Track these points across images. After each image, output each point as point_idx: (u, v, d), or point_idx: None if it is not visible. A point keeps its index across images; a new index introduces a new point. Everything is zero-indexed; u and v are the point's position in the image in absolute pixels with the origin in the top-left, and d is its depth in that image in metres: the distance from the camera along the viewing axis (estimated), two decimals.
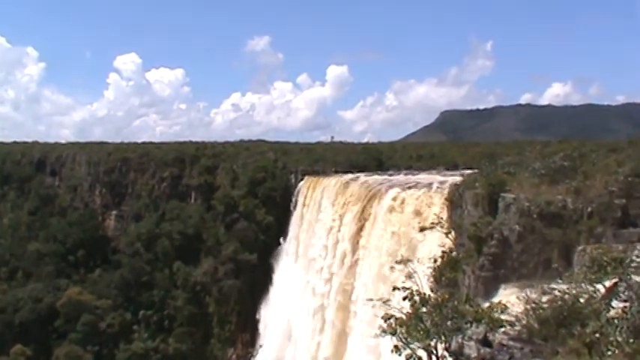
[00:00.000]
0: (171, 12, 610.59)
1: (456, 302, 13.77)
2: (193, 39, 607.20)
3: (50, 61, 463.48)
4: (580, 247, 19.98)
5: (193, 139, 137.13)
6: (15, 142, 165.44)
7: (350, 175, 69.04)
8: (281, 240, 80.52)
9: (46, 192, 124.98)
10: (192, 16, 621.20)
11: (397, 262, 21.89)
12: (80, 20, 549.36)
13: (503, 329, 12.78)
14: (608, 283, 12.39)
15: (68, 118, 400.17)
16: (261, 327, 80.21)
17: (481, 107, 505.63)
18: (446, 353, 13.44)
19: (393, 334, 13.82)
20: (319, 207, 67.90)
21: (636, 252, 15.41)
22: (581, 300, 12.08)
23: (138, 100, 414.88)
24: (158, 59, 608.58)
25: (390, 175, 67.88)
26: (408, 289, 15.00)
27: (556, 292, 12.52)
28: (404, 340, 13.66)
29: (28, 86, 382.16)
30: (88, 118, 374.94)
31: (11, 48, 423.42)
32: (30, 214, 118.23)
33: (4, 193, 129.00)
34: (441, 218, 34.56)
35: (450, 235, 32.46)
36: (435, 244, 37.51)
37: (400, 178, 62.22)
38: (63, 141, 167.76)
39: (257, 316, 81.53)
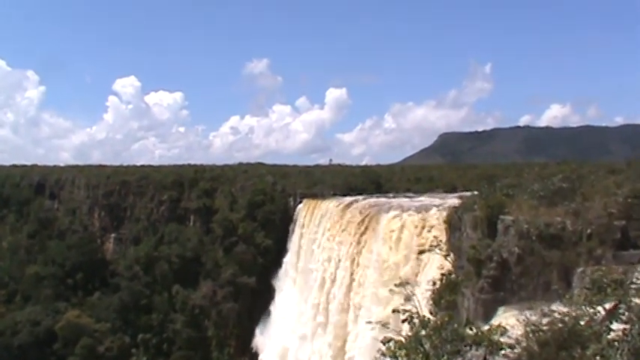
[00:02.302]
0: (170, 35, 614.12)
1: (455, 325, 13.73)
2: (192, 62, 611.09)
3: (50, 84, 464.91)
4: (580, 269, 19.91)
5: (192, 162, 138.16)
6: (14, 165, 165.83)
7: (348, 198, 68.98)
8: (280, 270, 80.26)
9: (45, 215, 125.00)
10: (191, 39, 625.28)
11: (396, 285, 21.77)
12: (80, 44, 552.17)
13: (503, 352, 12.71)
14: (608, 305, 12.34)
15: (67, 141, 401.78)
16: (259, 351, 79.84)
17: (480, 129, 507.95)
18: None
19: (393, 357, 13.77)
20: (317, 230, 67.82)
21: (637, 274, 15.34)
22: (582, 322, 12.02)
23: (137, 123, 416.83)
24: (157, 82, 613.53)
25: (389, 197, 67.87)
26: (407, 311, 14.97)
27: (556, 315, 12.44)
28: None
29: (28, 109, 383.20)
30: (87, 141, 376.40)
31: (11, 71, 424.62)
32: (29, 237, 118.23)
33: (3, 216, 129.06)
34: (440, 241, 34.48)
35: (449, 258, 32.38)
36: (434, 267, 37.45)
37: (399, 200, 62.14)
38: (62, 164, 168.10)
39: (254, 341, 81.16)
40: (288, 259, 77.75)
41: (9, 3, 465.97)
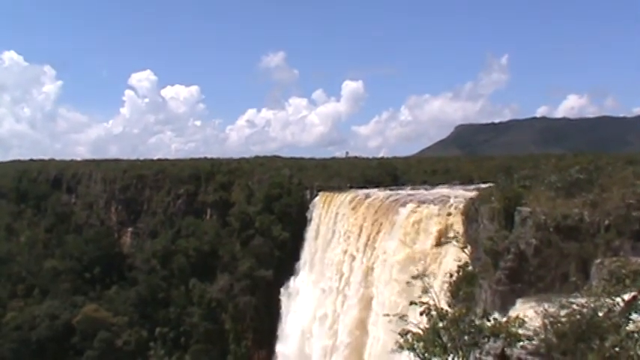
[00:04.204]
0: (185, 29, 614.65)
1: (473, 317, 13.71)
2: (208, 56, 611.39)
3: (67, 79, 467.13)
4: (598, 261, 19.83)
5: (208, 156, 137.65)
6: (31, 160, 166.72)
7: (365, 191, 68.92)
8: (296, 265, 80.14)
9: (62, 209, 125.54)
10: (207, 33, 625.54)
11: (413, 277, 21.73)
12: (96, 39, 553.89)
13: (521, 344, 12.69)
14: (627, 297, 12.29)
15: (84, 135, 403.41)
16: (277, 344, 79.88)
17: (496, 121, 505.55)
18: None
19: (411, 349, 13.76)
20: (334, 223, 67.78)
21: None
22: (600, 314, 11.97)
23: (153, 117, 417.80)
24: (173, 76, 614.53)
25: (405, 190, 67.75)
26: (425, 303, 14.94)
27: (574, 306, 12.39)
28: (421, 355, 13.61)
29: (45, 104, 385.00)
30: (103, 135, 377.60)
31: (29, 66, 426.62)
32: (46, 231, 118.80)
33: (21, 211, 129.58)
34: (457, 232, 34.40)
35: (466, 250, 32.31)
36: (451, 259, 37.40)
37: (415, 192, 62.05)
38: (79, 158, 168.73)
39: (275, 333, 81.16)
40: (304, 252, 77.74)
41: None
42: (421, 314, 14.68)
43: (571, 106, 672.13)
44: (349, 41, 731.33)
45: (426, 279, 20.16)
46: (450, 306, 22.51)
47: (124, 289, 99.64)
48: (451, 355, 13.31)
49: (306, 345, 69.15)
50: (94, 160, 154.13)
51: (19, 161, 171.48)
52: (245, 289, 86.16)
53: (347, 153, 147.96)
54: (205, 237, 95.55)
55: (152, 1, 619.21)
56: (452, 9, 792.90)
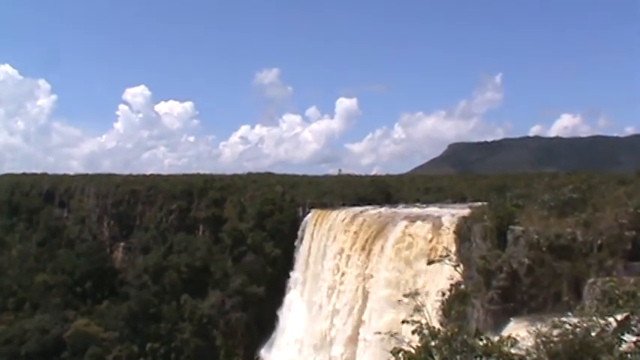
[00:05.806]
0: (180, 45, 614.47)
1: (465, 336, 13.64)
2: (202, 72, 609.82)
3: (61, 93, 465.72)
4: (590, 280, 19.82)
5: (202, 172, 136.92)
6: (24, 174, 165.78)
7: (357, 209, 68.87)
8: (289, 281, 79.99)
9: (55, 223, 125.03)
10: (202, 49, 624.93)
11: (405, 296, 21.65)
12: (91, 53, 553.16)
13: None
14: (619, 317, 12.25)
15: (77, 149, 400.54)
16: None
17: (489, 140, 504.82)
18: None
19: None
20: (326, 240, 67.68)
21: None
22: (593, 334, 11.93)
23: (147, 132, 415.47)
24: (167, 92, 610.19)
25: (398, 208, 67.74)
26: (417, 322, 14.89)
27: (567, 326, 12.35)
28: None
29: (39, 118, 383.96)
30: (97, 150, 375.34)
31: (23, 80, 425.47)
32: (38, 245, 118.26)
33: (13, 224, 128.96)
34: (450, 251, 34.34)
35: (458, 268, 32.23)
36: (443, 278, 37.32)
37: (408, 211, 62.00)
38: (72, 173, 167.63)
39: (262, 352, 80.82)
40: (296, 269, 77.65)
41: (21, 12, 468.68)
42: (413, 333, 14.63)
43: (564, 125, 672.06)
44: (343, 58, 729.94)
45: (419, 297, 20.09)
46: (442, 325, 22.43)
47: (116, 304, 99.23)
48: None
49: None
50: (87, 175, 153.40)
51: (11, 174, 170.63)
52: (236, 306, 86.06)
53: (340, 170, 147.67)
54: (197, 253, 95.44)
55: (147, 17, 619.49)
56: (445, 28, 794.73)
